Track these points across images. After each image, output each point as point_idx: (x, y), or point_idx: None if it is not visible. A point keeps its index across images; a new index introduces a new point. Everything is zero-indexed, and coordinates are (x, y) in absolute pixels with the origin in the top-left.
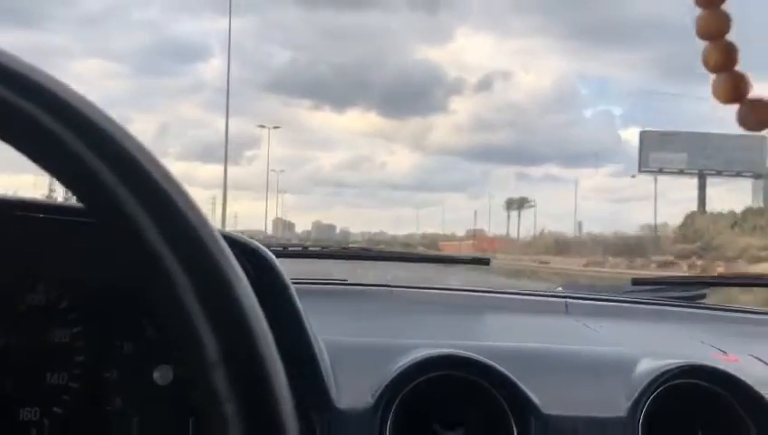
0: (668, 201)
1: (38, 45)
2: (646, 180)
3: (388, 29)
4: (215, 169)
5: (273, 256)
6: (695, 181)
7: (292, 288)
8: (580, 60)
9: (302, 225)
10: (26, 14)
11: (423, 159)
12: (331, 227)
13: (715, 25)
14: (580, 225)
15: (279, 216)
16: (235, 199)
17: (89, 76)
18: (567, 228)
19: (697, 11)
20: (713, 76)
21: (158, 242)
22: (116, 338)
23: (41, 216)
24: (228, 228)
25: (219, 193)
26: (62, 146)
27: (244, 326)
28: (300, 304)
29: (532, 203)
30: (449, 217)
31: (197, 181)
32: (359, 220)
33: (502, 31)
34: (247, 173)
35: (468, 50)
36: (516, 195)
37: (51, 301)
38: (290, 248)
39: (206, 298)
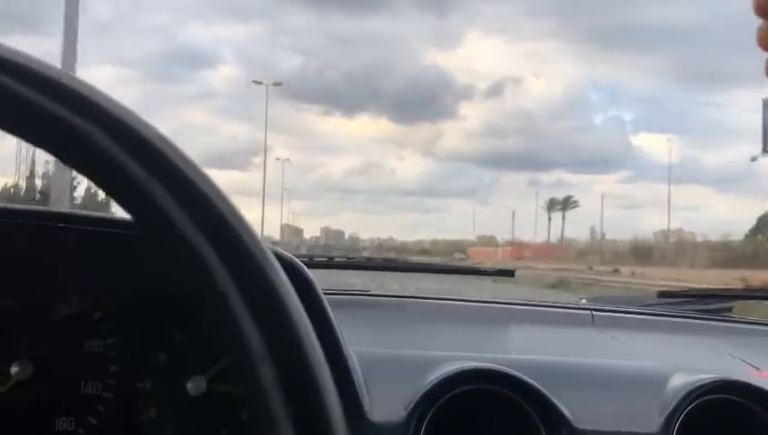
0: (673, 207)
1: (49, 52)
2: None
3: (398, 35)
4: (225, 176)
5: (301, 263)
6: None
7: (325, 300)
8: (592, 64)
9: (311, 230)
10: (36, 20)
11: (433, 164)
12: (340, 233)
13: None
14: (593, 229)
15: (287, 221)
16: (243, 207)
17: (99, 83)
18: (578, 234)
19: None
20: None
21: (211, 257)
22: (149, 348)
23: (75, 228)
24: None
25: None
26: (116, 164)
27: (299, 344)
28: (330, 312)
29: (577, 203)
30: (458, 222)
31: None
32: (368, 226)
33: (513, 35)
34: (256, 179)
35: (479, 54)
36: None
37: (85, 311)
38: (316, 259)
39: (259, 313)
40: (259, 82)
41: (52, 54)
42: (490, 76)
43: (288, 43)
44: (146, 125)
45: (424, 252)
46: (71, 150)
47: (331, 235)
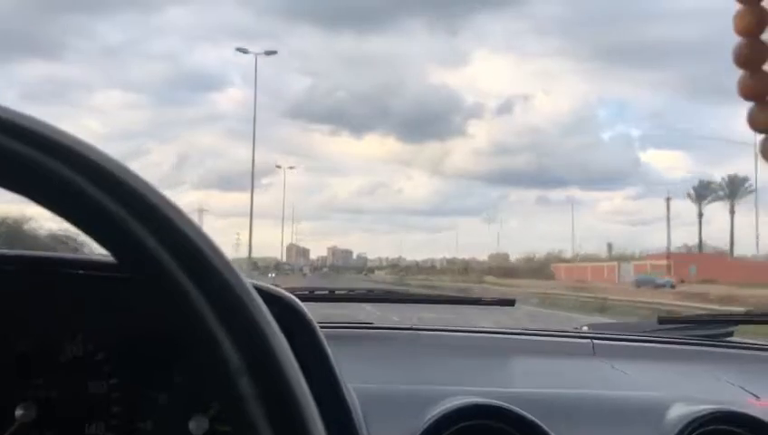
0: (682, 222)
1: (59, 77)
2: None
3: (406, 54)
4: (232, 198)
5: (301, 303)
6: None
7: (321, 335)
8: (599, 81)
9: (318, 250)
10: (47, 46)
11: (441, 183)
12: (348, 253)
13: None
14: (610, 246)
15: (293, 241)
16: (246, 227)
17: (108, 107)
18: (592, 249)
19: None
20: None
21: (197, 300)
22: (151, 389)
23: (80, 272)
24: (241, 255)
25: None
26: (106, 213)
27: (282, 377)
28: (330, 352)
29: (751, 185)
30: (465, 240)
31: (215, 210)
32: (376, 246)
33: (520, 53)
34: (264, 201)
35: (486, 73)
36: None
37: (88, 353)
38: (316, 292)
39: (245, 352)
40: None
41: (68, 80)
42: (498, 94)
43: (297, 65)
44: (125, 169)
45: (463, 272)
46: (55, 199)
47: (339, 255)
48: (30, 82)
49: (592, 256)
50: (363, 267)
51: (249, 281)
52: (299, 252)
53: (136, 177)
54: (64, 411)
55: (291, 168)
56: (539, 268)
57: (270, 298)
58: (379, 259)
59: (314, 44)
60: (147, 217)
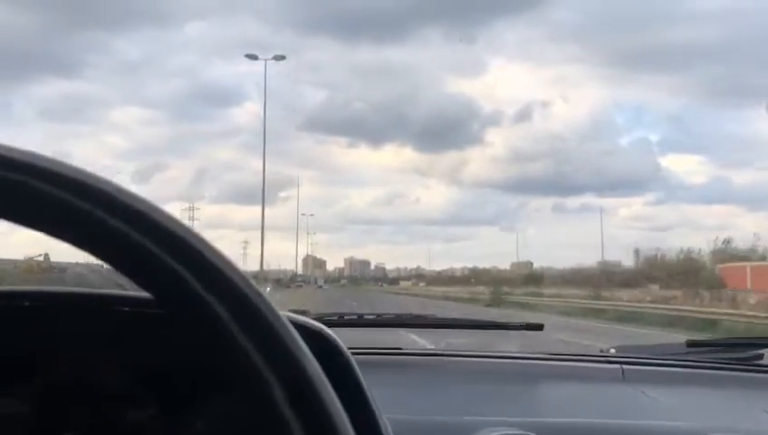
0: (696, 227)
1: (78, 95)
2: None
3: (423, 64)
4: (250, 211)
5: (331, 332)
6: None
7: (356, 365)
8: (617, 86)
9: (335, 262)
10: (66, 64)
11: (458, 193)
12: (366, 263)
13: None
14: (637, 252)
15: (309, 253)
16: (267, 240)
17: (126, 123)
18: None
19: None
20: None
21: (233, 330)
22: (190, 418)
23: (126, 309)
24: (253, 268)
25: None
26: (151, 257)
27: (327, 414)
28: (364, 382)
29: None
30: (484, 251)
31: (233, 224)
32: (393, 256)
33: (537, 60)
34: (281, 214)
35: (503, 81)
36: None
37: (127, 384)
38: (346, 317)
39: (285, 382)
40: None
41: (87, 97)
42: (515, 102)
43: (313, 77)
44: (157, 210)
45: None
46: (97, 243)
47: (356, 266)
48: (49, 99)
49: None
50: (381, 278)
51: (281, 312)
52: (315, 264)
53: (169, 216)
54: None
55: (311, 215)
56: (587, 279)
57: (299, 327)
58: (398, 269)
59: (331, 56)
60: (181, 253)
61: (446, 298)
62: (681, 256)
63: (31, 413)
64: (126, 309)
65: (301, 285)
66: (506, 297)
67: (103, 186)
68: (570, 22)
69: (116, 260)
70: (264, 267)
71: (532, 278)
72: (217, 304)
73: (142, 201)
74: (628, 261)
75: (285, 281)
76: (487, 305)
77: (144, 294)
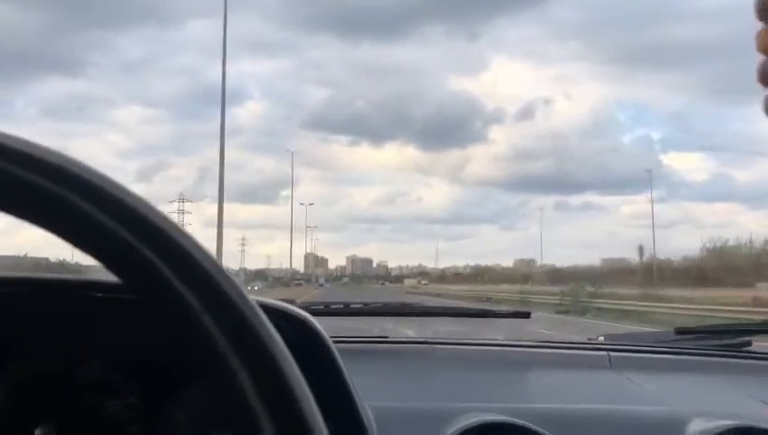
0: (697, 224)
1: (81, 93)
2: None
3: (425, 62)
4: (253, 210)
5: (313, 320)
6: None
7: (336, 353)
8: (619, 84)
9: (337, 260)
10: (68, 63)
11: (460, 191)
12: (368, 261)
13: None
14: (641, 249)
15: (309, 246)
16: (269, 239)
17: (129, 122)
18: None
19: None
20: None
21: (203, 318)
22: (169, 407)
23: (99, 295)
24: (258, 266)
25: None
26: (109, 234)
27: (295, 403)
28: (345, 370)
29: None
30: (485, 248)
31: (236, 222)
32: (395, 254)
33: (539, 58)
34: (283, 212)
35: (505, 78)
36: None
37: (104, 373)
38: (332, 306)
39: (253, 369)
40: None
41: (89, 96)
42: (517, 100)
43: (316, 75)
44: (132, 195)
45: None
46: (68, 225)
47: (358, 264)
48: (52, 98)
49: None
50: (383, 276)
51: (257, 298)
52: (317, 262)
53: (137, 197)
54: (83, 431)
55: (311, 204)
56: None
57: (281, 314)
58: (400, 268)
59: (333, 55)
60: (149, 236)
61: (462, 298)
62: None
63: (4, 401)
64: (98, 295)
65: (300, 283)
66: (590, 303)
67: (74, 167)
68: (572, 20)
69: (84, 243)
70: (269, 266)
71: (556, 276)
72: (187, 290)
73: (113, 184)
74: (632, 258)
75: (285, 279)
76: (563, 312)
77: (112, 279)
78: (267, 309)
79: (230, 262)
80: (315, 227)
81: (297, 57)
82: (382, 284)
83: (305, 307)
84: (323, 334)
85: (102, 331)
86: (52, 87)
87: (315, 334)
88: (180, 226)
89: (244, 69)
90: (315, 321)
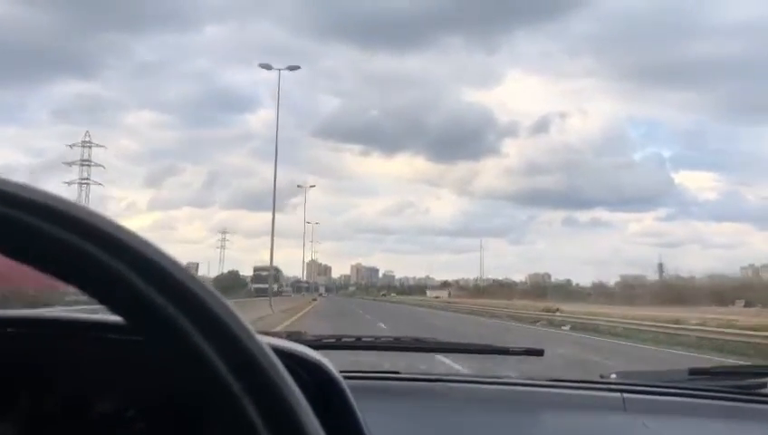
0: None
1: (94, 97)
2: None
3: (439, 73)
4: (260, 217)
5: (329, 365)
6: None
7: (352, 399)
8: (632, 101)
9: (341, 269)
10: (83, 65)
11: (469, 203)
12: (374, 270)
13: None
14: (661, 267)
15: (313, 258)
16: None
17: (140, 127)
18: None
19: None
20: None
21: (211, 357)
22: None
23: (110, 336)
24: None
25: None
26: (113, 276)
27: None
28: (360, 416)
29: None
30: (492, 262)
31: (242, 229)
32: (401, 265)
33: (553, 73)
34: (291, 220)
35: (518, 92)
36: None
37: (118, 409)
38: (343, 340)
39: (263, 408)
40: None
41: (102, 99)
42: (530, 114)
43: (329, 84)
44: (145, 243)
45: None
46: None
47: (363, 273)
48: (64, 100)
49: None
50: (386, 287)
51: (270, 341)
52: (320, 270)
53: (139, 238)
54: None
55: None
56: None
57: (296, 359)
58: (406, 278)
59: (347, 64)
60: (154, 278)
61: (515, 318)
62: None
63: None
64: (106, 335)
65: (290, 295)
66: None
67: (71, 209)
68: (587, 35)
69: (90, 287)
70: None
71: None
72: (191, 328)
73: (101, 218)
74: (650, 276)
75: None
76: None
77: (119, 319)
78: (281, 353)
79: (235, 266)
80: (319, 242)
81: (310, 66)
82: (384, 295)
83: (316, 340)
84: (338, 377)
85: (111, 370)
86: (66, 89)
87: (330, 380)
88: (192, 272)
89: (255, 76)
90: (331, 366)
